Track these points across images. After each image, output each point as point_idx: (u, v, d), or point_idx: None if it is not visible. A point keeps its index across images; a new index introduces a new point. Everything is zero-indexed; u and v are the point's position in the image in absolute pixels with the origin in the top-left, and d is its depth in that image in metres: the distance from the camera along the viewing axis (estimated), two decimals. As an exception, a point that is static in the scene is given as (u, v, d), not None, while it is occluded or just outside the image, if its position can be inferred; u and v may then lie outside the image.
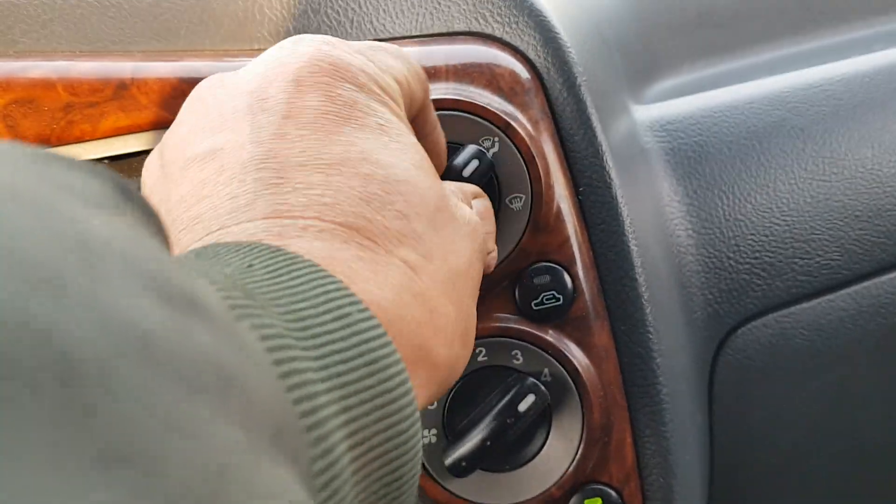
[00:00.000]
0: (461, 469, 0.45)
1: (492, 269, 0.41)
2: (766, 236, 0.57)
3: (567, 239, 0.48)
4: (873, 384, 0.60)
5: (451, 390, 0.48)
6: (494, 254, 0.41)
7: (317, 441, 0.21)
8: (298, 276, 0.25)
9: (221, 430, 0.15)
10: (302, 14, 0.50)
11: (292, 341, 0.22)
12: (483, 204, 0.40)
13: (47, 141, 0.45)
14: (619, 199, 0.49)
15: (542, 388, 0.46)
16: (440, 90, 0.47)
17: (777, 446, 0.59)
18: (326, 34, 0.50)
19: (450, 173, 0.43)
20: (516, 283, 0.48)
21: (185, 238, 0.29)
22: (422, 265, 0.29)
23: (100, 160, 0.47)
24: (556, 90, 0.49)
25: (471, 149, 0.44)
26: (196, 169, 0.30)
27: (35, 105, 0.45)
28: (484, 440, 0.45)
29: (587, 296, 0.48)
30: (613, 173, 0.49)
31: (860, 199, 0.58)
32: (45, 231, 0.15)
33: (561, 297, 0.48)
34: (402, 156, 0.31)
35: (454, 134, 0.47)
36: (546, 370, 0.47)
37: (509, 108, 0.48)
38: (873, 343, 0.59)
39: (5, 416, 0.12)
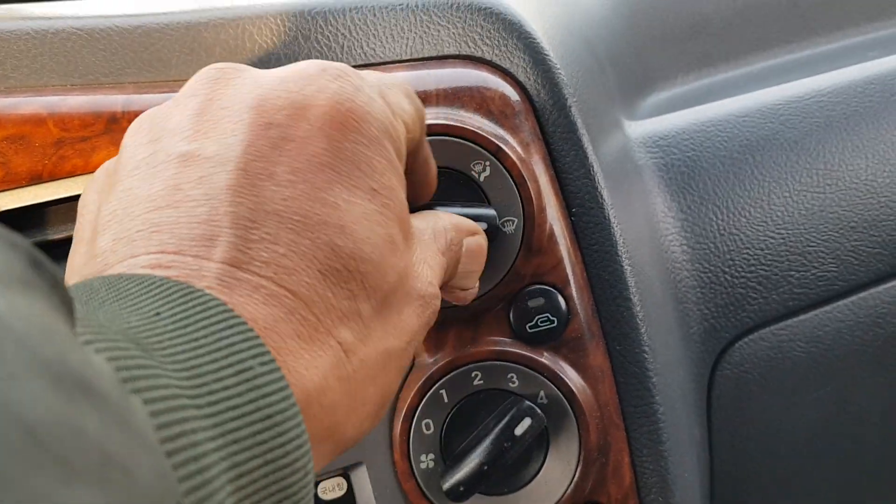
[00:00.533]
0: (459, 494, 0.46)
1: (467, 302, 0.41)
2: (762, 249, 0.57)
3: (560, 260, 0.48)
4: (872, 394, 0.60)
5: (448, 414, 0.48)
6: (474, 291, 0.41)
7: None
8: (206, 327, 0.25)
9: None
10: (292, 41, 0.50)
11: (186, 401, 0.22)
12: (476, 242, 0.39)
13: (39, 177, 0.45)
14: (612, 220, 0.49)
15: (539, 410, 0.46)
16: (431, 115, 0.48)
17: (777, 459, 0.59)
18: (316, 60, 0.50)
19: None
20: (511, 305, 0.48)
21: (139, 243, 0.28)
22: (356, 348, 0.29)
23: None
24: (547, 112, 0.49)
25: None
26: (174, 169, 0.29)
27: (26, 141, 0.45)
28: (481, 464, 0.45)
29: (582, 317, 0.48)
30: (605, 193, 0.49)
31: (855, 210, 0.58)
32: None
33: (555, 319, 0.48)
34: (380, 229, 0.30)
35: (445, 158, 0.47)
36: (542, 392, 0.47)
37: (500, 132, 0.48)
38: (871, 353, 0.59)
39: None
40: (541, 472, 0.48)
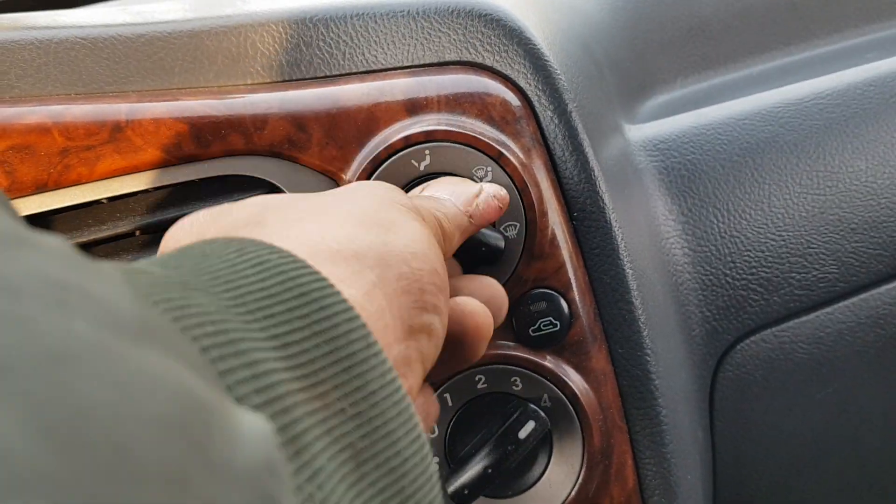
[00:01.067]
0: (464, 497, 0.46)
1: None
2: (763, 252, 0.58)
3: (562, 265, 0.48)
4: (874, 395, 0.60)
5: (452, 418, 0.48)
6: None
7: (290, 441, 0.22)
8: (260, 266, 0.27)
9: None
10: (294, 48, 0.51)
11: (235, 324, 0.24)
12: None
13: (45, 185, 0.45)
14: (613, 223, 0.49)
15: (542, 414, 0.47)
16: (432, 121, 0.48)
17: (779, 460, 0.59)
18: (319, 67, 0.51)
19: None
20: (513, 310, 0.48)
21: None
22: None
23: (97, 202, 0.48)
24: (548, 117, 0.49)
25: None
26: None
27: (31, 150, 0.45)
28: (486, 468, 0.46)
29: (584, 320, 0.49)
30: (607, 197, 0.50)
31: (856, 211, 0.59)
32: None
33: (558, 322, 0.48)
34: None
35: (447, 164, 0.47)
36: (545, 396, 0.47)
37: (501, 137, 0.48)
38: (873, 354, 0.59)
39: None
40: (544, 475, 0.48)
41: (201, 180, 0.48)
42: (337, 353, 0.25)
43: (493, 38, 0.50)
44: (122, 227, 0.47)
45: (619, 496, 0.49)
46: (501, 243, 0.46)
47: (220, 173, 0.48)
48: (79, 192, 0.46)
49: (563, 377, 0.47)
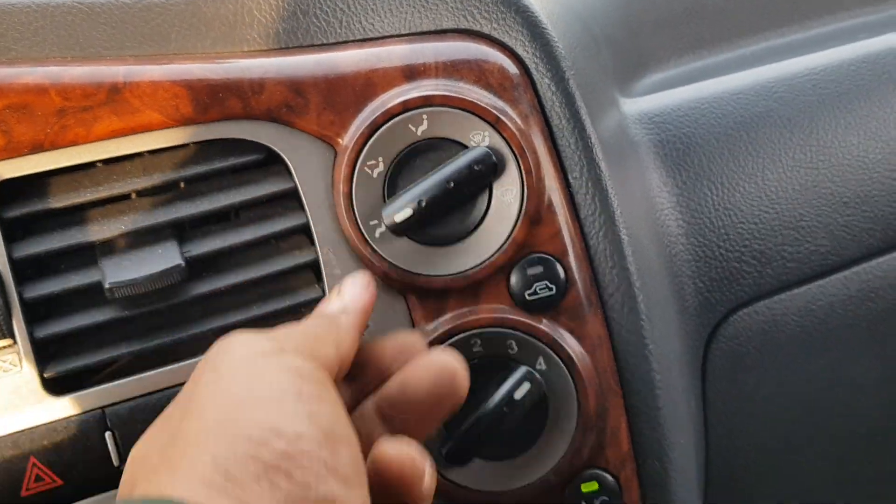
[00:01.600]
0: (459, 459, 0.46)
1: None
2: (756, 224, 0.58)
3: (559, 230, 0.49)
4: (865, 367, 0.60)
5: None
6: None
7: None
8: None
9: None
10: (291, 15, 0.51)
11: None
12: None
13: (41, 146, 0.45)
14: (610, 191, 0.50)
15: (538, 376, 0.47)
16: (430, 87, 0.48)
17: (772, 430, 0.60)
18: (315, 35, 0.51)
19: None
20: (510, 274, 0.48)
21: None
22: None
23: (93, 163, 0.47)
24: (545, 85, 0.50)
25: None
26: None
27: (28, 110, 0.45)
28: (481, 430, 0.46)
29: (580, 286, 0.49)
30: (603, 165, 0.50)
31: (847, 185, 0.59)
32: None
33: (554, 287, 0.48)
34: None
35: (446, 129, 0.47)
36: (541, 359, 0.48)
37: (499, 103, 0.48)
38: (864, 326, 0.59)
39: None
40: (540, 438, 0.48)
41: (198, 143, 0.48)
42: None
43: (490, 5, 0.50)
44: (119, 190, 0.47)
45: (614, 458, 0.49)
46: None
47: (218, 136, 0.48)
48: (75, 153, 0.46)
49: (559, 341, 0.48)
